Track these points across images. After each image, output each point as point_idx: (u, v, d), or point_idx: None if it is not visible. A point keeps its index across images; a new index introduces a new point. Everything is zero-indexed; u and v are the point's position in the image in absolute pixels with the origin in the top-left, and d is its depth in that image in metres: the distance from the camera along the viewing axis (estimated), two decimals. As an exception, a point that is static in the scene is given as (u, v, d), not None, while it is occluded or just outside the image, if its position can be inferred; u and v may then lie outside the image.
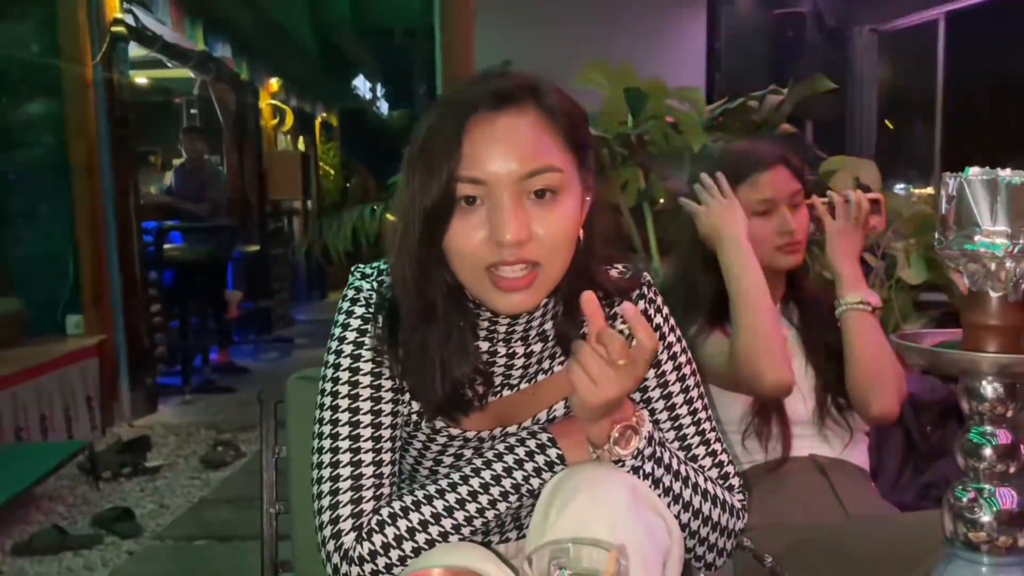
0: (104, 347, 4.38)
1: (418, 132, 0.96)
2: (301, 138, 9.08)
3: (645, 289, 1.09)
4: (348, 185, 9.94)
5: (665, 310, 1.10)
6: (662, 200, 2.28)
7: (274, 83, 7.89)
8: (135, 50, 5.00)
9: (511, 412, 1.06)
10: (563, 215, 0.93)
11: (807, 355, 1.55)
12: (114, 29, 4.48)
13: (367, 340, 1.01)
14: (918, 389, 1.67)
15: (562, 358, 1.06)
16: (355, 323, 1.02)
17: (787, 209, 1.52)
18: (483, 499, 0.96)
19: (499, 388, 1.04)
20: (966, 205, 0.64)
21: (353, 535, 0.95)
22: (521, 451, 0.99)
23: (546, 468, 0.98)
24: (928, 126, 6.69)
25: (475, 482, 0.97)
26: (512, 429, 1.05)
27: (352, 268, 1.08)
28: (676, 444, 1.07)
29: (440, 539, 0.95)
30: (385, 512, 0.96)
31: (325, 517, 0.97)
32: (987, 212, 0.63)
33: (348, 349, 1.01)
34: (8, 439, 3.52)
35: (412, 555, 0.94)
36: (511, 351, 1.03)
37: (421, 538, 0.95)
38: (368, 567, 0.94)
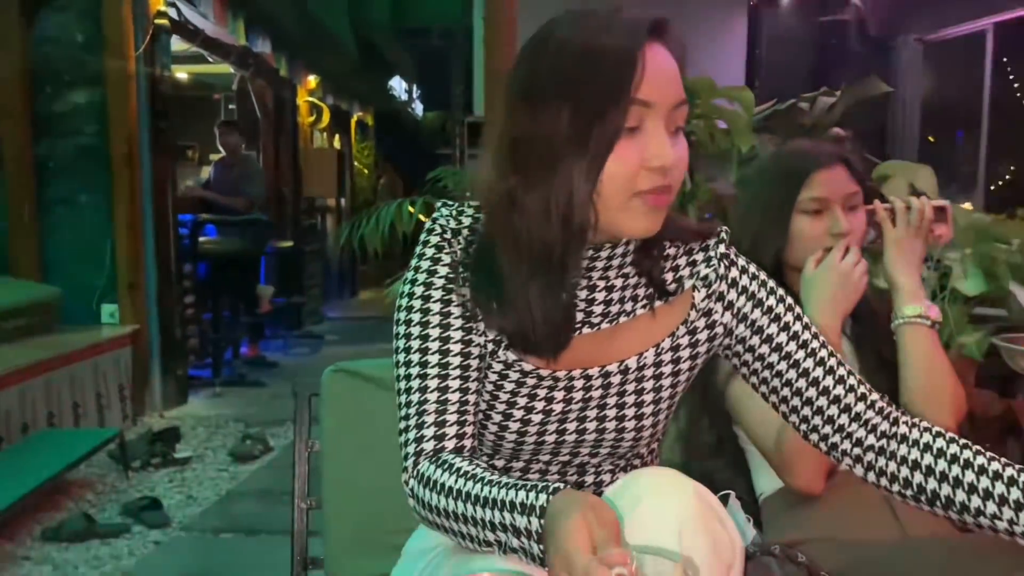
0: (137, 337, 4.40)
1: (553, 63, 0.92)
2: (336, 136, 9.12)
3: (723, 234, 1.08)
4: (380, 183, 9.96)
5: (747, 264, 1.09)
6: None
7: (312, 80, 7.93)
8: (177, 44, 5.03)
9: (591, 353, 1.02)
10: (685, 146, 0.96)
11: (860, 367, 1.49)
12: (157, 22, 4.52)
13: (441, 268, 1.01)
14: (976, 405, 1.60)
15: (644, 302, 1.03)
16: (430, 251, 1.02)
17: (841, 211, 1.46)
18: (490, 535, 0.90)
19: (579, 325, 1.01)
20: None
21: (428, 460, 0.96)
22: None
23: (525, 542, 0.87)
24: (972, 139, 6.55)
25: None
26: (594, 372, 1.01)
27: (438, 204, 1.07)
28: (819, 375, 1.04)
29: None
30: (441, 472, 0.94)
31: (411, 435, 0.97)
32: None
33: (422, 277, 1.01)
34: (41, 425, 3.54)
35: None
36: (592, 285, 1.01)
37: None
38: (431, 494, 0.93)
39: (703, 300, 1.05)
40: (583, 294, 1.01)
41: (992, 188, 6.47)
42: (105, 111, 4.33)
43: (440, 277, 1.01)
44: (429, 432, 0.97)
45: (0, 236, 4.28)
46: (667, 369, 1.05)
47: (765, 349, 1.06)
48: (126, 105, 4.34)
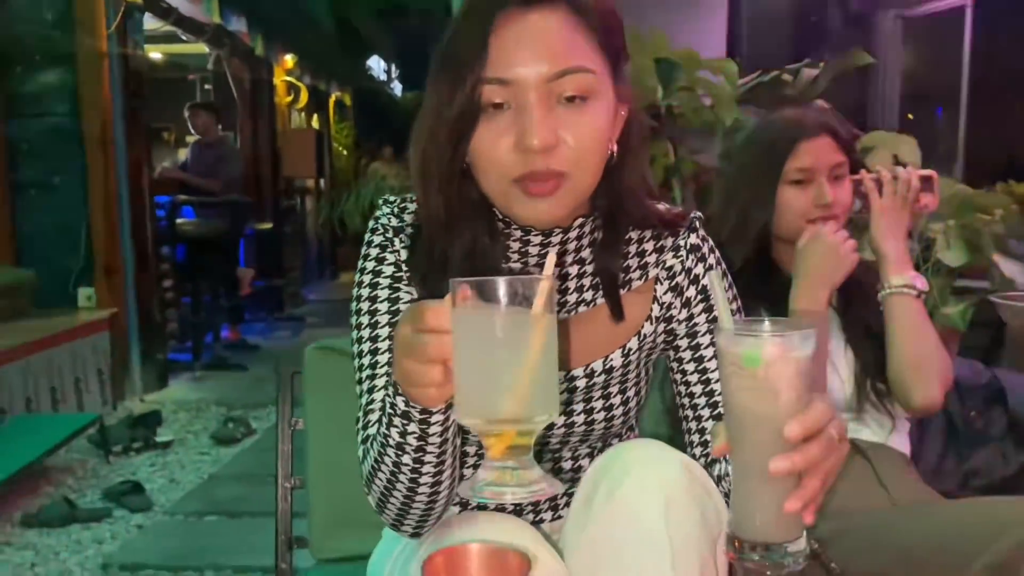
0: (115, 321, 4.34)
1: (444, 38, 0.91)
2: (315, 116, 9.01)
3: (696, 223, 1.03)
4: (360, 163, 9.85)
5: (717, 252, 1.05)
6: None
7: (289, 60, 7.82)
8: (150, 23, 4.94)
9: None
10: (593, 121, 0.87)
11: (846, 337, 1.49)
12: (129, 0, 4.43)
13: (385, 268, 0.98)
14: (962, 373, 1.60)
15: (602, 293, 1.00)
16: (374, 252, 0.99)
17: (827, 181, 1.45)
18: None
19: None
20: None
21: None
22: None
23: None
24: (951, 115, 6.57)
25: None
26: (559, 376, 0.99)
27: (380, 200, 1.04)
28: (700, 388, 1.02)
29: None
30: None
31: (359, 436, 0.95)
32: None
33: (368, 279, 0.98)
34: (18, 410, 3.49)
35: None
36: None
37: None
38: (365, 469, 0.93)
39: (664, 293, 1.02)
40: None
41: (971, 163, 6.50)
42: (77, 91, 4.24)
43: (386, 277, 0.98)
44: (374, 415, 0.94)
45: (-27, 219, 4.20)
46: (632, 369, 1.02)
47: (687, 354, 1.03)
48: (99, 85, 4.26)
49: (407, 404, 0.79)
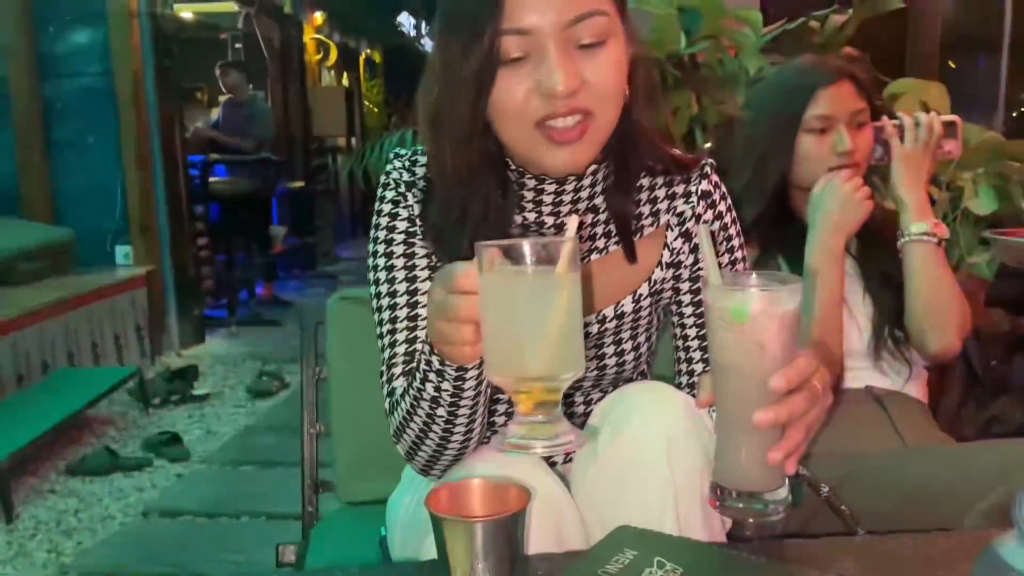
0: (152, 278, 4.44)
1: None
2: (345, 74, 9.01)
3: (708, 168, 1.03)
4: (391, 120, 9.85)
5: (729, 200, 1.05)
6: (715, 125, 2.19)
7: (318, 17, 7.81)
8: (179, -20, 4.96)
9: None
10: (613, 60, 0.88)
11: (864, 285, 1.48)
12: (158, -43, 4.44)
13: (399, 223, 0.99)
14: (983, 322, 1.59)
15: (617, 239, 1.01)
16: (387, 207, 1.01)
17: (847, 128, 1.43)
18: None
19: None
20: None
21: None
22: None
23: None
24: (992, 64, 6.38)
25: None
26: None
27: (391, 153, 1.04)
28: (695, 331, 1.04)
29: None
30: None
31: (385, 389, 0.98)
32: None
33: (383, 235, 1.00)
34: (60, 364, 3.61)
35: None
36: (559, 223, 0.98)
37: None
38: (392, 416, 0.96)
39: (675, 239, 1.03)
40: (550, 232, 0.98)
41: (1013, 114, 6.33)
42: (108, 50, 4.28)
43: (400, 232, 0.99)
44: (399, 383, 0.97)
45: (10, 179, 4.29)
46: (644, 313, 1.04)
47: (686, 298, 1.04)
48: (130, 44, 4.29)
49: (442, 363, 0.82)
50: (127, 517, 2.66)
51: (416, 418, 0.90)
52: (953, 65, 6.84)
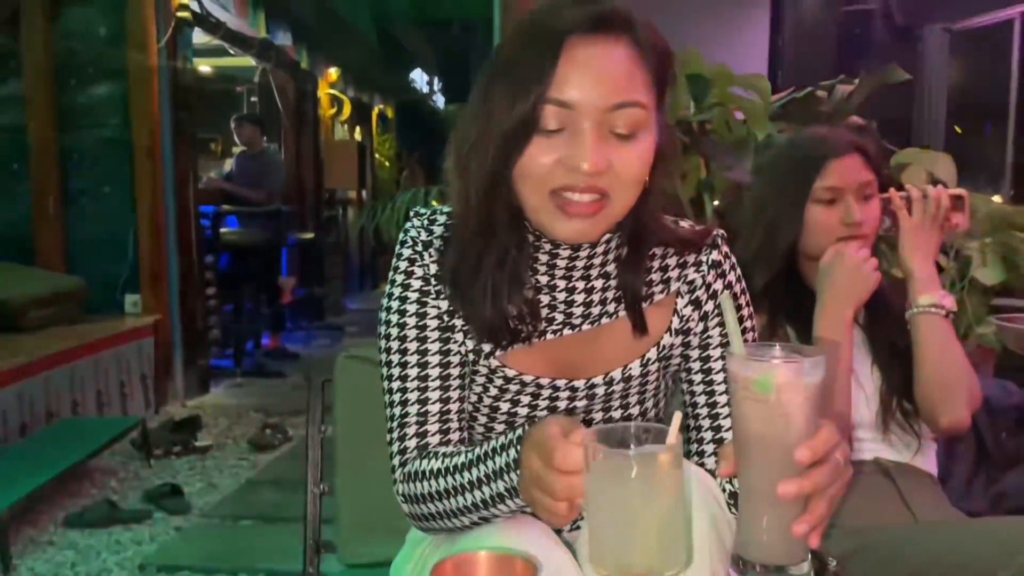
0: (160, 327, 4.45)
1: (502, 50, 0.93)
2: (358, 128, 9.14)
3: (719, 240, 1.05)
4: (402, 175, 9.98)
5: (738, 270, 1.06)
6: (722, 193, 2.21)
7: (333, 72, 7.95)
8: (199, 37, 5.07)
9: (575, 361, 1.02)
10: (642, 153, 0.90)
11: (873, 356, 1.48)
12: (179, 14, 4.55)
13: (414, 281, 1.02)
14: (994, 394, 1.59)
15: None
16: (403, 265, 1.03)
17: (855, 200, 1.45)
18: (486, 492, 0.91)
19: (559, 327, 1.01)
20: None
21: (418, 462, 0.97)
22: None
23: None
24: (999, 131, 6.44)
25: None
26: (579, 384, 1.01)
27: (412, 212, 1.07)
28: (704, 399, 1.04)
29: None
30: (423, 463, 0.96)
31: (395, 447, 1.00)
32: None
33: (397, 292, 1.02)
34: (65, 413, 3.60)
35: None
36: (571, 287, 1.00)
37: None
38: (417, 484, 0.96)
39: (685, 306, 1.04)
40: (562, 296, 1.00)
41: (1019, 181, 6.37)
42: (128, 103, 4.37)
43: (414, 291, 1.01)
44: (412, 444, 0.98)
45: (25, 227, 4.34)
46: (652, 378, 1.05)
47: (696, 365, 1.05)
48: (149, 98, 4.38)
49: (513, 500, 0.86)
50: (123, 571, 2.62)
51: (447, 503, 0.92)
52: (959, 131, 6.91)
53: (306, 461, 1.52)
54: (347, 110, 8.35)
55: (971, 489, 1.56)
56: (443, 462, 0.93)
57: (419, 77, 11.66)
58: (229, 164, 6.58)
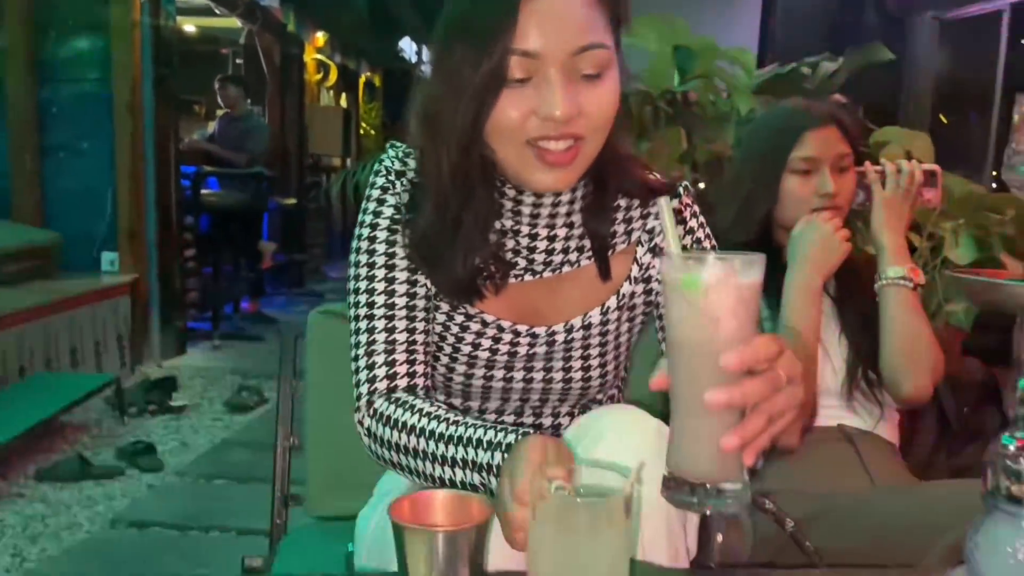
0: (137, 286, 4.42)
1: (456, 7, 0.93)
2: (344, 95, 9.06)
3: (681, 190, 1.06)
4: (388, 144, 9.90)
5: (701, 217, 1.07)
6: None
7: (320, 37, 7.87)
8: (184, -6, 5.00)
9: (537, 307, 1.03)
10: (610, 93, 0.91)
11: (841, 326, 1.50)
12: (163, -31, 4.48)
13: (385, 209, 1.02)
14: (958, 370, 1.61)
15: (590, 254, 1.03)
16: (375, 193, 1.03)
17: (831, 172, 1.46)
18: (457, 473, 0.91)
19: (521, 272, 1.02)
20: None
21: (383, 398, 0.97)
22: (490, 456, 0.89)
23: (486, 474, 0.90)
24: (984, 121, 6.49)
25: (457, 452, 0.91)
26: (540, 331, 1.02)
27: (388, 144, 1.07)
28: None
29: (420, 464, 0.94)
30: (395, 409, 0.96)
31: (362, 376, 0.99)
32: (1064, 135, 0.58)
33: (369, 219, 1.02)
34: (38, 368, 3.58)
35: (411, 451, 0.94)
36: (534, 233, 1.01)
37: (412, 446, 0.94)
38: (387, 430, 0.95)
39: (644, 254, 1.05)
40: (524, 241, 1.01)
41: (1002, 168, 6.42)
42: (109, 58, 4.31)
43: (385, 219, 1.01)
44: (380, 372, 0.98)
45: (2, 180, 4.29)
46: (612, 327, 1.05)
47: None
48: (130, 53, 4.32)
49: (487, 489, 0.85)
50: (95, 526, 2.62)
51: (415, 463, 0.92)
52: (945, 120, 6.94)
53: (276, 413, 1.52)
54: (333, 76, 8.28)
55: (933, 461, 1.59)
56: (420, 421, 0.93)
57: (407, 46, 11.55)
58: (212, 126, 6.51)
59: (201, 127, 7.17)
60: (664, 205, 0.78)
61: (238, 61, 7.72)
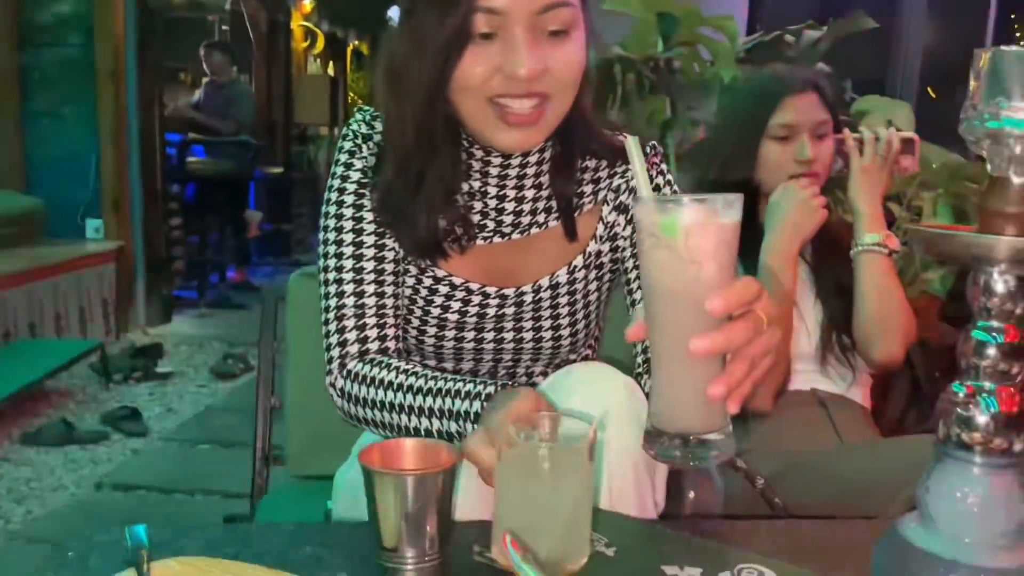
0: (122, 254, 4.40)
1: None
2: (331, 63, 8.97)
3: (648, 150, 1.07)
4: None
5: (669, 175, 1.08)
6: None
7: (307, 4, 7.78)
8: (168, -43, 4.93)
9: (506, 268, 1.04)
10: (576, 51, 0.91)
11: (816, 291, 1.52)
12: (146, -69, 4.41)
13: (352, 173, 1.02)
14: (931, 336, 1.64)
15: (557, 215, 1.04)
16: (343, 157, 1.03)
17: (810, 138, 1.47)
18: (434, 423, 0.92)
19: (490, 235, 1.03)
20: (997, 80, 0.60)
21: (356, 360, 0.98)
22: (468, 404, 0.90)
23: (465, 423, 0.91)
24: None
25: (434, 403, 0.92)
26: (509, 292, 1.03)
27: (355, 108, 1.07)
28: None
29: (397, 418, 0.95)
30: (372, 368, 0.96)
31: (333, 340, 0.99)
32: (1019, 89, 0.59)
33: (336, 183, 1.03)
34: (22, 335, 3.57)
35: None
36: (502, 194, 1.01)
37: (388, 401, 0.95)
38: (363, 388, 0.96)
39: (609, 213, 1.06)
40: (493, 203, 1.02)
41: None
42: (91, 23, 4.25)
43: (352, 183, 1.02)
44: (351, 336, 0.99)
45: (-16, 145, 4.25)
46: (580, 286, 1.06)
47: (631, 263, 1.06)
48: (112, 18, 4.26)
49: (463, 437, 0.86)
50: (79, 489, 2.64)
51: (390, 416, 0.93)
52: (932, 93, 6.95)
53: (257, 373, 1.53)
54: (320, 44, 8.19)
55: (904, 425, 1.62)
56: (397, 377, 0.94)
57: (396, 15, 11.42)
58: (198, 94, 6.45)
59: (187, 95, 7.10)
60: (633, 146, 0.76)
61: (224, 28, 7.63)
